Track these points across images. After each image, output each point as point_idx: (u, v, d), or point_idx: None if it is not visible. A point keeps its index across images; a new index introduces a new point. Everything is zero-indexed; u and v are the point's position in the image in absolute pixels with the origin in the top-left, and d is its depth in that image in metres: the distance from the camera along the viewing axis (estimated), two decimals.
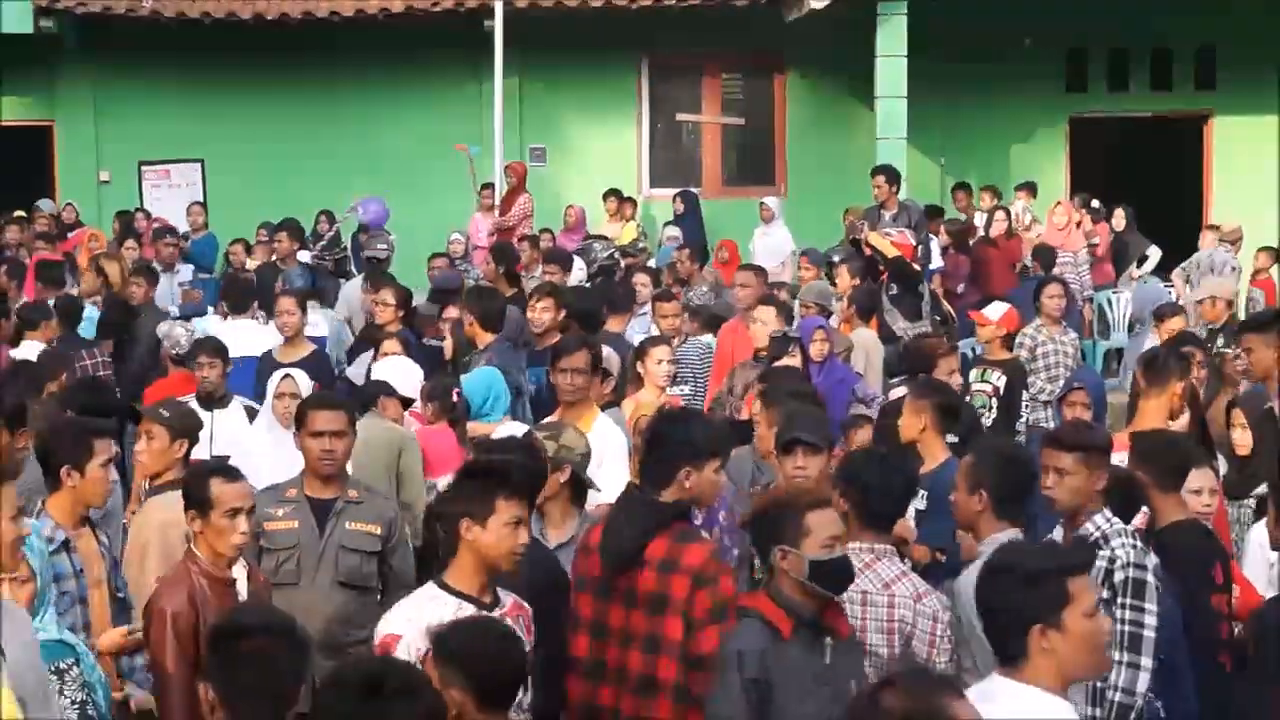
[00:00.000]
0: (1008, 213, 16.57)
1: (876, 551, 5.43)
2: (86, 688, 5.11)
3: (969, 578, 5.40)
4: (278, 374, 8.66)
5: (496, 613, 4.87)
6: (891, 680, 3.26)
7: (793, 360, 9.34)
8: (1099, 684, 5.40)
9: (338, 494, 6.51)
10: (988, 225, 16.66)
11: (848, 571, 4.95)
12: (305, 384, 8.50)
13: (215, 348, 9.66)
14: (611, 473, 7.15)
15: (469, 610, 4.81)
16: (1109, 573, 5.57)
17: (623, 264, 14.49)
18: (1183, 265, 16.01)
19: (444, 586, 4.96)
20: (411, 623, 4.82)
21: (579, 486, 6.25)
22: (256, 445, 8.13)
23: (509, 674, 4.33)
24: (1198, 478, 6.52)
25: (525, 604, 5.07)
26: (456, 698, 4.19)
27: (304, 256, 15.30)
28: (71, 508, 5.95)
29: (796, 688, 4.78)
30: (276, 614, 4.45)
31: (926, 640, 5.29)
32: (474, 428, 8.85)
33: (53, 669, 5.07)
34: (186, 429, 7.06)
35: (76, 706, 5.06)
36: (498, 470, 5.15)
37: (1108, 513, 5.87)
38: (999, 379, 10.04)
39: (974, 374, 10.17)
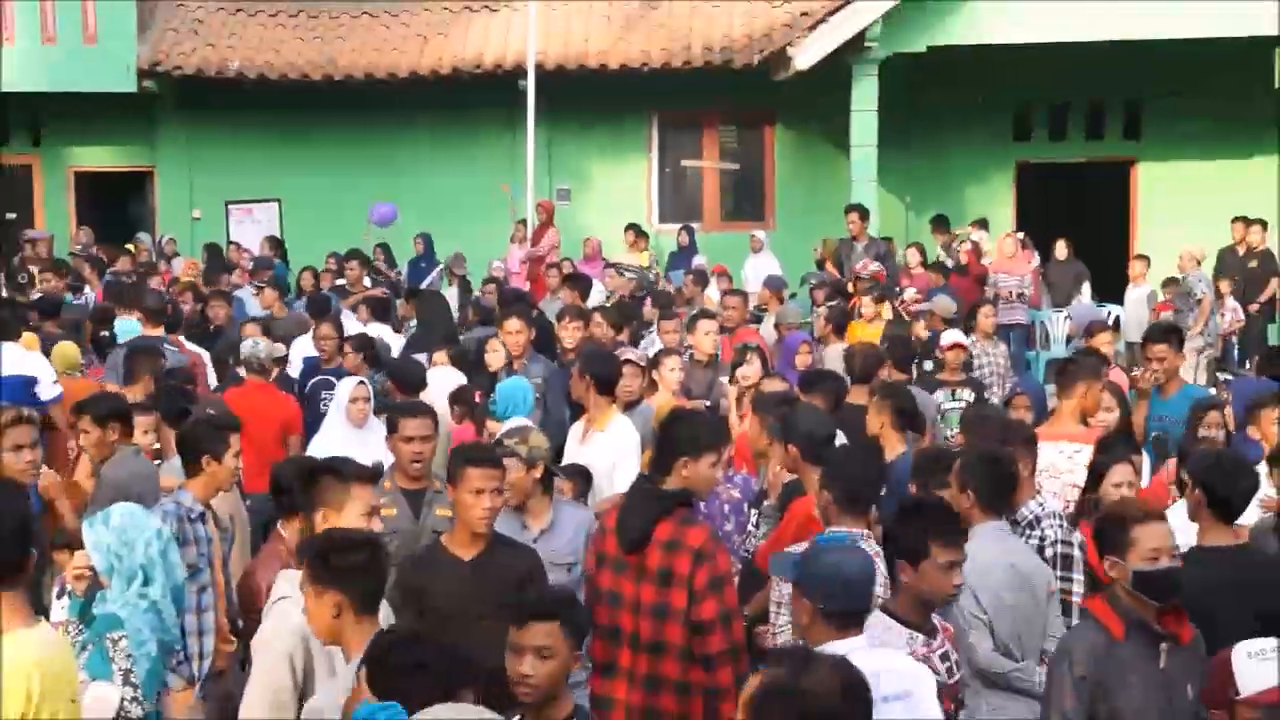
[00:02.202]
0: (975, 244, 16.49)
1: (855, 535, 5.28)
2: (131, 658, 5.11)
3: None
4: (351, 380, 8.64)
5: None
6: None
7: (751, 368, 9.10)
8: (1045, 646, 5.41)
9: (426, 486, 6.51)
10: (954, 255, 16.59)
11: (1173, 582, 4.55)
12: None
13: None
14: (625, 466, 7.21)
15: None
16: (1040, 549, 5.60)
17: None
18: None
19: None
20: None
21: (548, 478, 6.17)
22: (331, 443, 8.10)
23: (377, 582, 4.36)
24: (1119, 472, 6.42)
25: None
26: (334, 599, 4.23)
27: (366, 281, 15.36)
28: (205, 489, 6.01)
29: (1128, 688, 4.50)
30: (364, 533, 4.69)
31: None
32: (491, 426, 8.79)
33: (107, 640, 5.09)
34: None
35: (122, 673, 5.07)
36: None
37: (1041, 498, 5.87)
38: (969, 395, 9.93)
39: (943, 395, 9.79)
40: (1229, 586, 5.09)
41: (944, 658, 4.58)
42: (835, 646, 4.22)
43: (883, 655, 4.31)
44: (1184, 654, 4.52)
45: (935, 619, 4.69)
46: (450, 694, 3.46)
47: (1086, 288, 17.07)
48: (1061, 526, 5.72)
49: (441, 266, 17.06)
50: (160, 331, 10.84)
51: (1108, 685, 4.45)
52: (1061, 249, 17.29)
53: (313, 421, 9.38)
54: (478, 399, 8.96)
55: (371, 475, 5.35)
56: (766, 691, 2.97)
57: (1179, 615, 4.55)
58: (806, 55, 16.26)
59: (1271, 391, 8.12)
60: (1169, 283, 16.51)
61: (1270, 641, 3.75)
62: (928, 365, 10.77)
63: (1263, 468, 6.61)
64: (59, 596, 5.49)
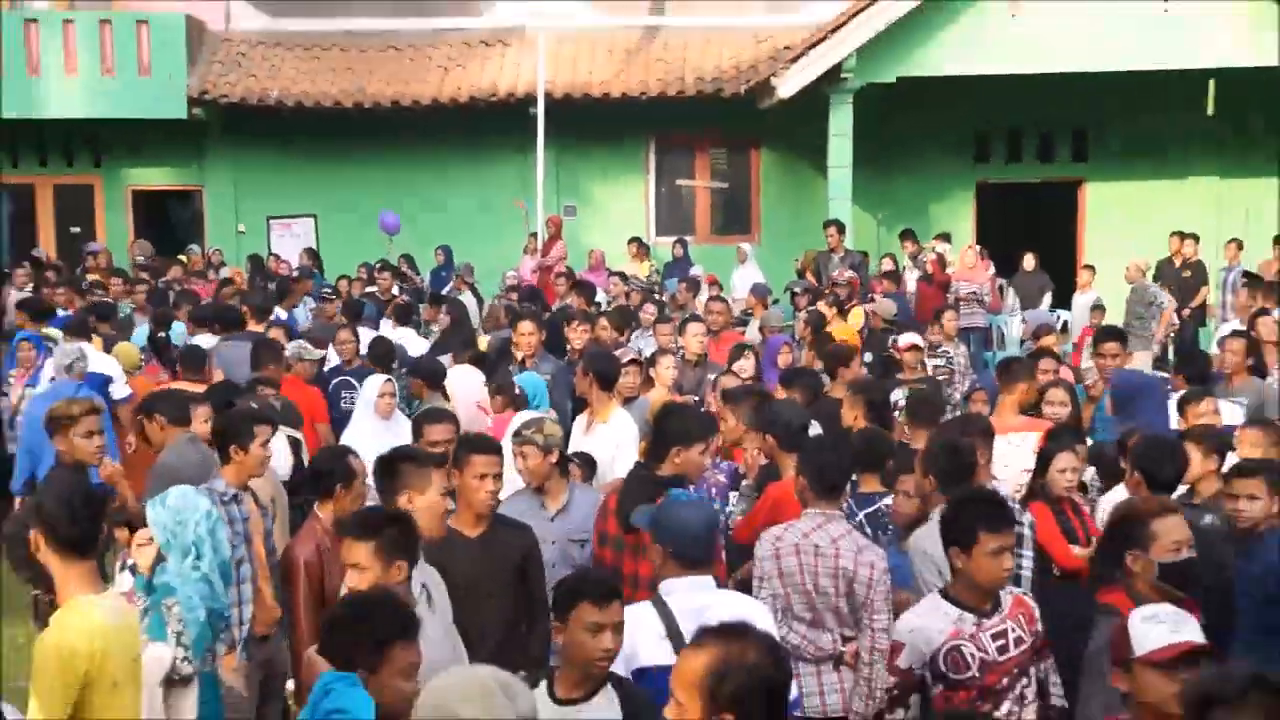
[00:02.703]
0: (940, 255, 16.52)
1: (828, 515, 5.26)
2: (183, 623, 5.18)
3: (922, 536, 5.47)
4: (378, 378, 8.65)
5: None
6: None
7: (747, 363, 9.19)
8: None
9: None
10: (921, 265, 16.61)
11: (1195, 573, 4.41)
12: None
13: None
14: (625, 454, 7.20)
15: None
16: None
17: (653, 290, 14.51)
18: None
19: None
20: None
21: (563, 463, 6.14)
22: (362, 434, 8.09)
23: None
24: (1064, 459, 6.41)
25: None
26: (402, 566, 4.25)
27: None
28: (235, 475, 5.98)
29: None
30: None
31: (864, 582, 5.13)
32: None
33: (163, 606, 5.17)
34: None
35: (175, 636, 5.14)
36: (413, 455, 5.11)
37: (994, 482, 5.91)
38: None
39: (900, 393, 9.17)
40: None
41: (996, 636, 4.51)
42: (681, 583, 4.48)
43: (721, 594, 4.60)
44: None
45: (1007, 596, 4.62)
46: (385, 646, 3.40)
47: (1048, 298, 17.08)
48: (1013, 508, 5.77)
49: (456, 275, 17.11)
50: (209, 333, 10.88)
51: None
52: (1029, 261, 17.29)
53: (336, 419, 9.38)
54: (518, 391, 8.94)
55: (441, 460, 5.40)
56: (720, 668, 2.96)
57: (1193, 605, 4.31)
58: (788, 85, 16.29)
59: (1194, 388, 8.15)
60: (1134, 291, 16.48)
61: (1165, 607, 3.79)
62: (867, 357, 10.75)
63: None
64: (121, 570, 5.54)
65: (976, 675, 4.45)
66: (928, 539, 5.37)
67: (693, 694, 2.92)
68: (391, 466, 5.06)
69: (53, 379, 9.63)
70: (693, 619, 4.31)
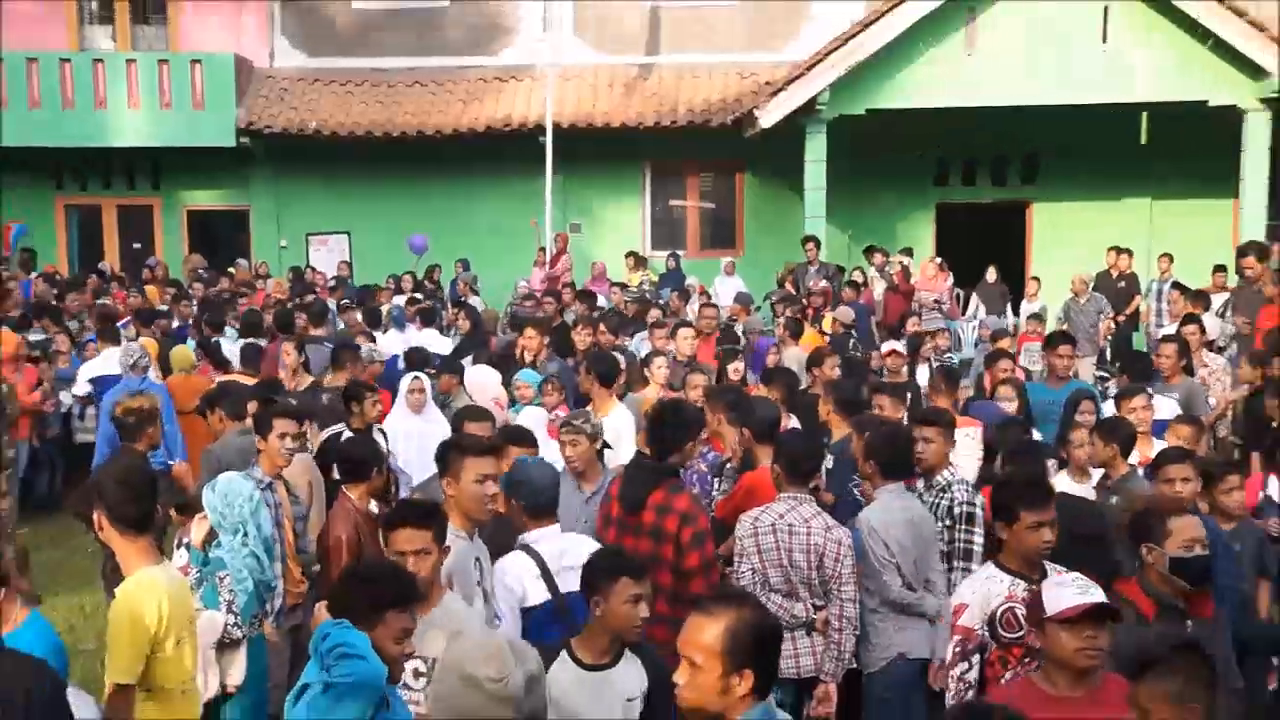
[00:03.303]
0: (904, 267, 16.55)
1: (799, 499, 5.31)
2: (233, 593, 5.18)
3: (869, 514, 5.46)
4: (408, 376, 8.64)
5: None
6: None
7: (739, 363, 9.19)
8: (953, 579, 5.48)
9: None
10: (887, 277, 16.60)
11: (1206, 569, 4.29)
12: (429, 383, 8.62)
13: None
14: (625, 444, 7.25)
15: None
16: (950, 508, 5.62)
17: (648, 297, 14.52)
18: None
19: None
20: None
21: (600, 452, 6.18)
22: (398, 424, 8.10)
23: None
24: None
25: None
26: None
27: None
28: (267, 464, 5.98)
29: None
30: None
31: (833, 557, 5.19)
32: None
33: (216, 578, 5.18)
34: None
35: (226, 604, 5.15)
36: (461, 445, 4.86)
37: (952, 468, 5.93)
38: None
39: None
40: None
41: None
42: (542, 533, 4.72)
43: (570, 537, 4.82)
44: (1208, 629, 4.29)
45: (1052, 567, 4.49)
46: (382, 609, 3.36)
47: (1010, 306, 17.10)
48: (968, 490, 5.73)
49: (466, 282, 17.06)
50: (257, 338, 10.89)
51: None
52: (991, 274, 17.29)
53: None
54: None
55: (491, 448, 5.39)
56: (741, 628, 2.99)
57: (1204, 597, 4.33)
58: (769, 117, 16.29)
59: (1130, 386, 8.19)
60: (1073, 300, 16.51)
61: (1073, 575, 3.83)
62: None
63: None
64: (178, 547, 5.56)
65: (1025, 636, 4.40)
66: (875, 517, 5.40)
67: (712, 656, 2.93)
68: (445, 453, 5.00)
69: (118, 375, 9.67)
70: (557, 561, 4.64)
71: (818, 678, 5.23)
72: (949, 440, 6.04)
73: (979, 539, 5.56)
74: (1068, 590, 3.65)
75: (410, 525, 3.98)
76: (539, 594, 4.58)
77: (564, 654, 3.89)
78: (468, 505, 4.54)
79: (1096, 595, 3.64)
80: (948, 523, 5.59)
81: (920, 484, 5.81)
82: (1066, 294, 15.77)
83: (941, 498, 5.69)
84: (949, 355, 11.28)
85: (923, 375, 10.18)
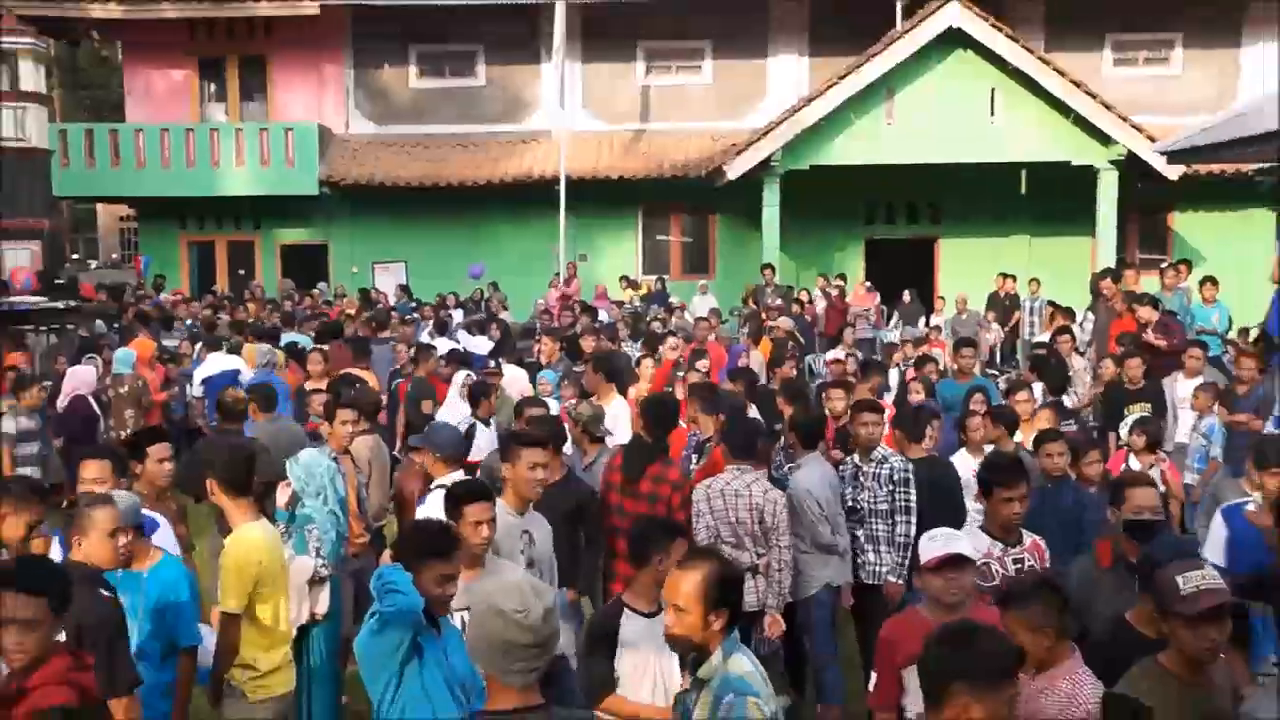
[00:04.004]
0: (840, 288, 16.47)
1: (742, 469, 5.21)
2: (320, 541, 5.15)
3: (800, 478, 5.50)
4: (461, 372, 8.60)
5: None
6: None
7: (705, 363, 9.01)
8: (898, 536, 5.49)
9: None
10: (827, 296, 16.51)
11: (1153, 530, 4.02)
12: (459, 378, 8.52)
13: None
14: (621, 429, 7.20)
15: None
16: (891, 475, 5.56)
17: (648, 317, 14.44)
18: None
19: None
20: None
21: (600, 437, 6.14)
22: (451, 414, 7.98)
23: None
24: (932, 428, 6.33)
25: None
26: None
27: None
28: (334, 442, 5.90)
29: (1104, 603, 3.87)
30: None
31: (771, 513, 5.10)
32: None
33: (305, 530, 5.14)
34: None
35: (315, 551, 5.11)
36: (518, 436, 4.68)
37: (885, 446, 5.90)
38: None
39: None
40: (923, 481, 5.54)
41: (1015, 561, 4.26)
42: (448, 477, 4.74)
43: (475, 480, 4.64)
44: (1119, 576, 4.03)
45: (1028, 537, 4.34)
46: (426, 557, 3.23)
47: (922, 320, 17.08)
48: (902, 459, 5.67)
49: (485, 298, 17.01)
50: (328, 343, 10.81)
51: (1090, 600, 3.94)
52: (908, 296, 17.19)
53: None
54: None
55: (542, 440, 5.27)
56: (714, 577, 2.97)
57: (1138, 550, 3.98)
58: (734, 170, 16.31)
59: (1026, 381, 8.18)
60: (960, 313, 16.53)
61: (945, 530, 3.79)
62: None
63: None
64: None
65: (999, 585, 4.31)
66: (804, 481, 5.43)
67: (693, 601, 2.93)
68: (504, 443, 4.90)
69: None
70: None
71: (762, 611, 5.20)
72: (883, 422, 6.04)
73: (913, 497, 5.51)
74: (934, 543, 3.62)
75: (479, 502, 3.84)
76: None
77: (626, 610, 3.72)
78: (521, 487, 4.33)
79: (955, 547, 3.59)
80: (890, 487, 5.55)
81: (856, 456, 5.76)
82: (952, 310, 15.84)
83: (881, 467, 5.64)
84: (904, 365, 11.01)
85: (893, 377, 9.92)
